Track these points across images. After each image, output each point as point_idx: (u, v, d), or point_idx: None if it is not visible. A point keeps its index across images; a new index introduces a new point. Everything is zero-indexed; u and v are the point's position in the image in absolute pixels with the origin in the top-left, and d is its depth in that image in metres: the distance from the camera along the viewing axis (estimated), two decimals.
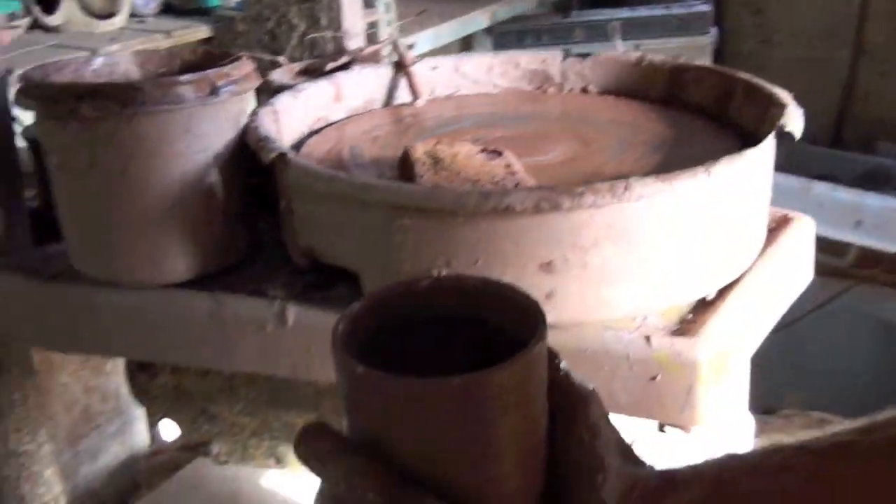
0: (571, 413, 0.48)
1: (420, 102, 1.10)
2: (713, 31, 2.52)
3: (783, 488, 0.46)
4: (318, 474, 0.46)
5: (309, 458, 0.46)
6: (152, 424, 1.19)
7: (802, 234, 0.91)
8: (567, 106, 1.10)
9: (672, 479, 0.48)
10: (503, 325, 0.50)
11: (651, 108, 1.05)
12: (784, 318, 2.18)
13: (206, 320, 0.86)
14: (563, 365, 0.50)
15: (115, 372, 1.75)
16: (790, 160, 2.44)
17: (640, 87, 1.09)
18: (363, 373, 0.45)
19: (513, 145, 0.90)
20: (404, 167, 0.83)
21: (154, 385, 1.14)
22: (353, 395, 0.47)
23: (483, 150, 0.85)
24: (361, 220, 0.76)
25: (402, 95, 1.13)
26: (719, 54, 2.74)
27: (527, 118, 1.06)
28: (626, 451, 0.49)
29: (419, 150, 0.82)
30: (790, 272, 0.88)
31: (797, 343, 1.98)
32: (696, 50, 2.38)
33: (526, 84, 1.15)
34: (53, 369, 1.62)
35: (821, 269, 2.07)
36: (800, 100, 0.87)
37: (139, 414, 1.63)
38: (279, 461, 1.14)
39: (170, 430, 1.20)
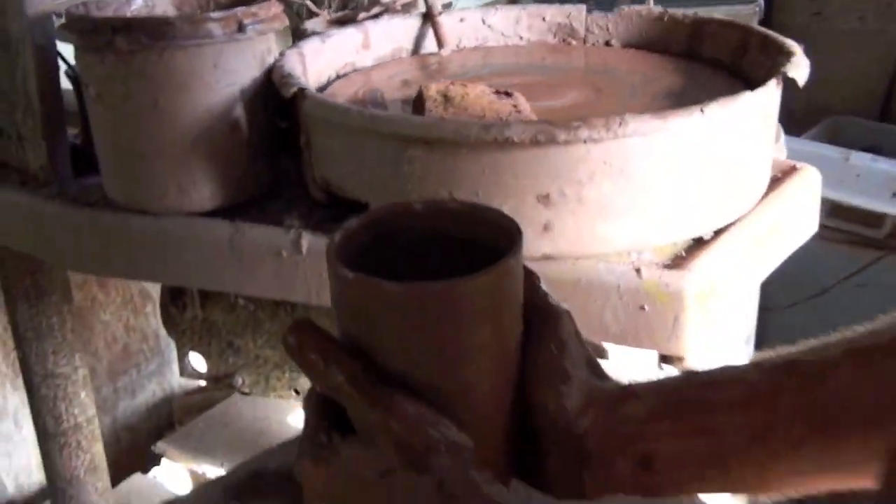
0: (544, 328, 0.51)
1: (445, 52, 1.14)
2: (760, 1, 2.50)
3: (732, 398, 0.49)
4: (300, 365, 0.50)
5: (293, 349, 0.49)
6: (181, 357, 1.24)
7: (807, 185, 0.93)
8: (589, 58, 1.13)
9: (632, 390, 0.52)
10: (493, 246, 0.53)
11: (670, 61, 1.07)
12: (817, 287, 2.16)
13: (228, 247, 0.91)
14: (542, 286, 0.53)
15: (155, 314, 1.83)
16: (835, 132, 2.42)
17: (662, 41, 1.11)
18: (351, 278, 0.49)
19: (527, 90, 0.93)
20: (417, 105, 0.86)
21: (183, 318, 1.19)
22: (341, 300, 0.51)
23: (495, 92, 0.88)
24: (372, 152, 0.81)
25: (430, 45, 1.17)
26: (766, 25, 2.71)
27: (547, 68, 1.09)
28: (593, 367, 0.53)
29: (432, 90, 0.86)
30: (792, 220, 0.90)
31: (829, 312, 1.98)
32: (741, 20, 2.36)
33: (551, 37, 1.18)
34: (96, 307, 1.70)
35: (856, 240, 2.06)
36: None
37: (176, 355, 1.70)
38: (299, 393, 1.20)
39: (198, 362, 1.25)
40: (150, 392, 1.87)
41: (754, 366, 0.51)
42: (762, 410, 0.48)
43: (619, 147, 0.74)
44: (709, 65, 1.05)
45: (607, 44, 1.15)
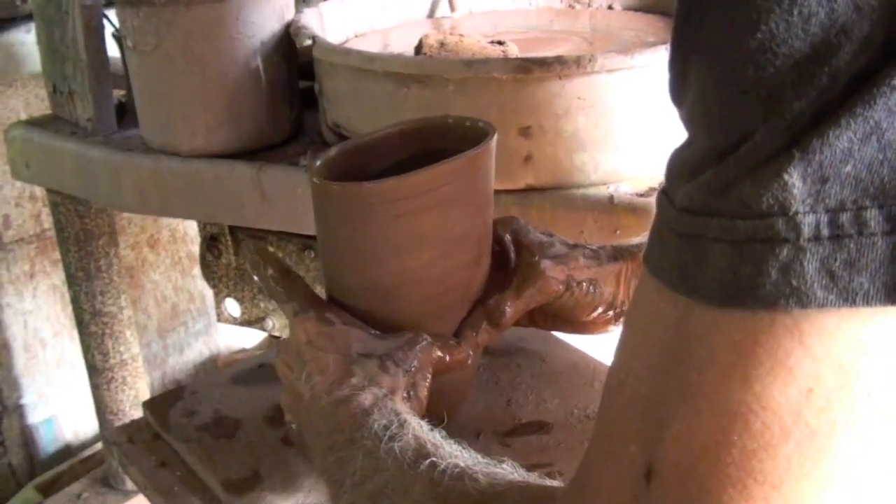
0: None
1: (456, 14, 1.22)
2: None
3: None
4: (254, 274, 0.62)
5: (250, 263, 0.62)
6: (218, 303, 1.34)
7: None
8: (593, 20, 1.20)
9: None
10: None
11: (664, 20, 1.14)
12: None
13: (249, 185, 1.01)
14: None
15: (201, 276, 1.94)
16: None
17: (659, 3, 1.18)
18: (339, 189, 0.57)
19: (524, 44, 1.01)
20: (417, 52, 0.95)
21: (219, 265, 1.29)
22: (320, 209, 0.59)
23: (489, 42, 0.96)
24: (372, 91, 0.89)
25: (444, 10, 1.25)
26: None
27: (552, 29, 1.17)
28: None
29: (431, 38, 0.94)
30: None
31: None
32: None
33: (558, 2, 1.26)
34: (146, 267, 1.82)
35: None
36: None
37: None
38: None
39: (233, 308, 1.35)
40: (196, 350, 1.99)
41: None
42: None
43: (591, 82, 0.81)
44: None
45: (609, 7, 1.22)
